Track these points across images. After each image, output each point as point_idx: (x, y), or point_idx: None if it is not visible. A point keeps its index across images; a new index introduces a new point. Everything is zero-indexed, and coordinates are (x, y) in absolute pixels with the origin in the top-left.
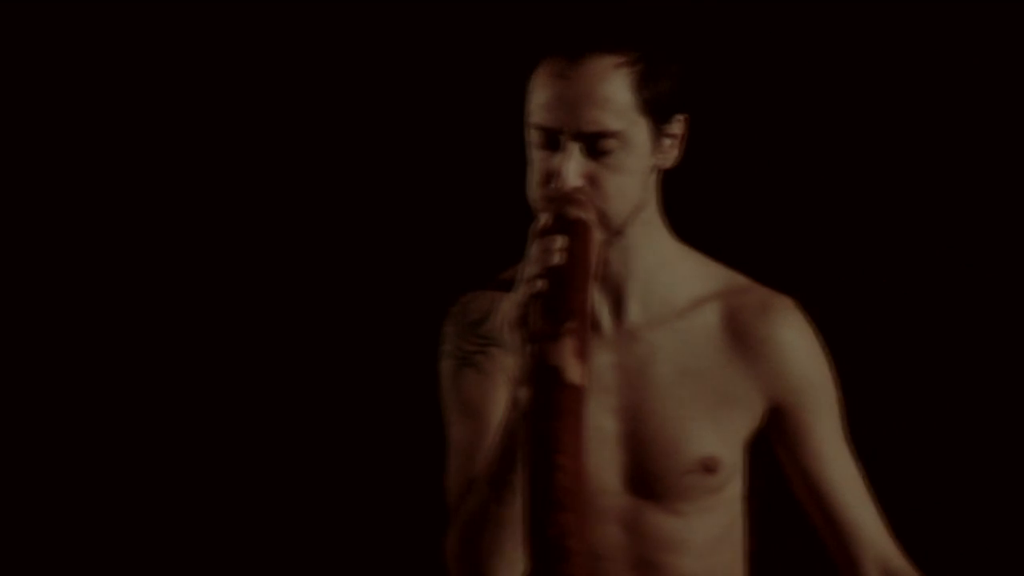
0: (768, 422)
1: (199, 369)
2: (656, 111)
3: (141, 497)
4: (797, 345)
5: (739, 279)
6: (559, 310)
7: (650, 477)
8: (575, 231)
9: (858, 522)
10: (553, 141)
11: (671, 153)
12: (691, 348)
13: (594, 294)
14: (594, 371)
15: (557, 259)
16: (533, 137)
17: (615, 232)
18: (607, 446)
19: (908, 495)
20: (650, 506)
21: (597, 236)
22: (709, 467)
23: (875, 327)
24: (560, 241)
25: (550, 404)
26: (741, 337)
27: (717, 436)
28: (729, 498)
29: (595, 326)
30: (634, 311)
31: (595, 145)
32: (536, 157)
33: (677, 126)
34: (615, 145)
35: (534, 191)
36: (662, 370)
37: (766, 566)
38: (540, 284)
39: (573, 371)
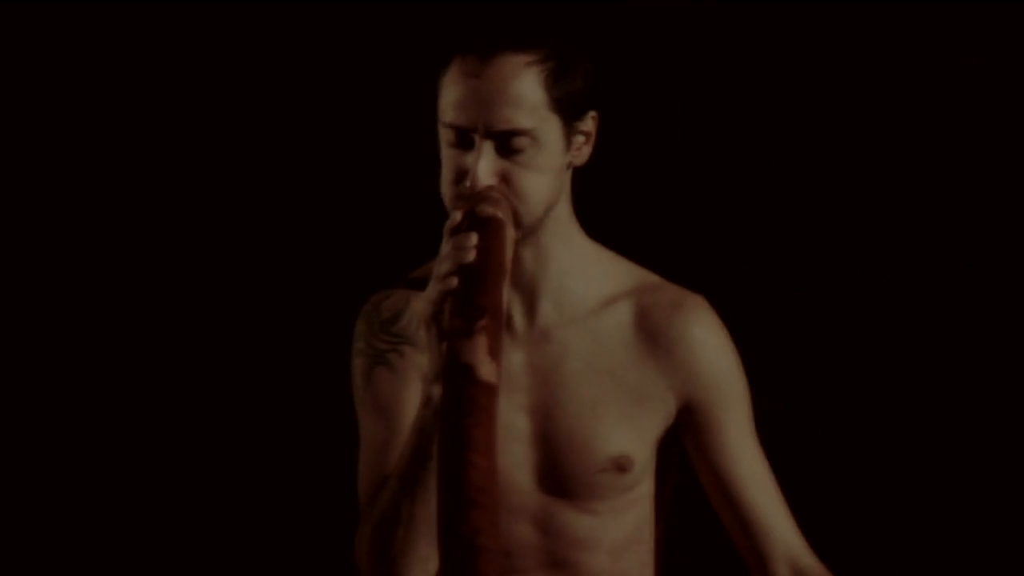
0: (679, 420)
1: (106, 367)
2: (568, 109)
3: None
4: (708, 343)
5: (650, 277)
6: (472, 308)
7: (562, 476)
8: (488, 229)
9: (768, 520)
10: (465, 139)
11: (583, 151)
12: (603, 347)
13: (507, 292)
14: (506, 370)
15: (470, 257)
16: (445, 136)
17: (528, 230)
18: (520, 445)
19: (817, 492)
20: (562, 505)
21: (510, 234)
22: (621, 466)
23: (785, 324)
24: (473, 239)
25: (463, 402)
26: (653, 336)
27: (629, 435)
28: (640, 497)
29: (508, 325)
30: (547, 310)
31: (507, 143)
32: (448, 156)
33: (588, 124)
34: (527, 143)
35: (447, 189)
36: (574, 369)
37: (676, 565)
38: (453, 282)
39: (486, 369)
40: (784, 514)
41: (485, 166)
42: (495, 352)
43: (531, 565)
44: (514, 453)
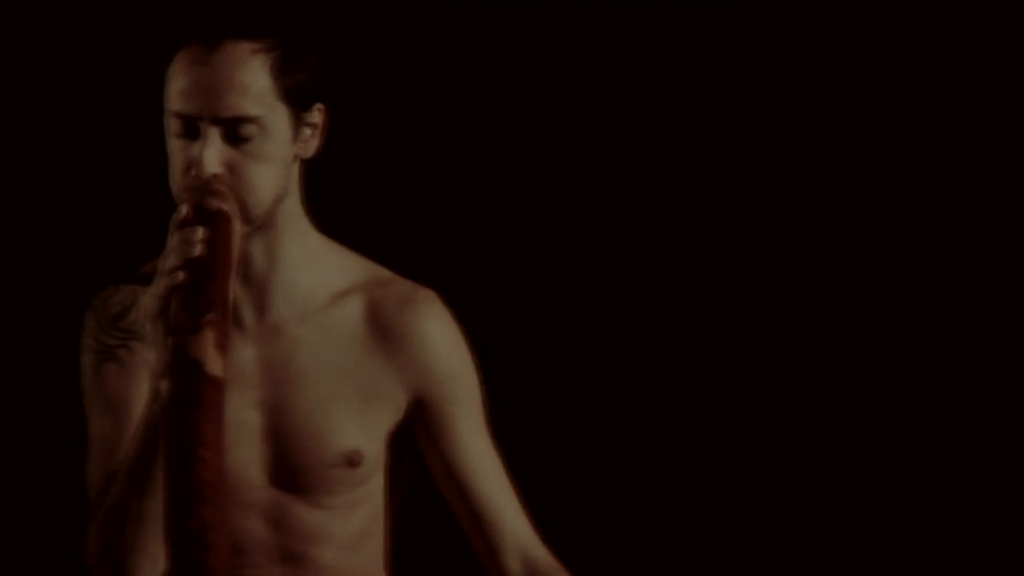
0: (411, 414)
1: None
2: (295, 99)
3: None
4: (439, 337)
5: (382, 272)
6: (199, 302)
7: (293, 471)
8: (215, 222)
9: (499, 513)
10: (192, 129)
11: (311, 143)
12: (334, 342)
13: (236, 287)
14: (237, 365)
15: (197, 251)
16: (172, 126)
17: (257, 223)
18: (250, 440)
19: (555, 485)
20: (293, 500)
21: (238, 227)
22: (352, 460)
23: (518, 319)
24: (200, 232)
25: (190, 397)
26: (384, 330)
27: (360, 429)
28: (371, 491)
29: (238, 320)
30: (277, 305)
31: (234, 131)
32: (175, 146)
33: (317, 116)
34: (254, 131)
35: (175, 180)
36: (305, 364)
37: (410, 559)
38: (180, 276)
39: (213, 363)
40: (515, 508)
41: (211, 154)
42: (222, 347)
43: (262, 560)
44: (245, 449)
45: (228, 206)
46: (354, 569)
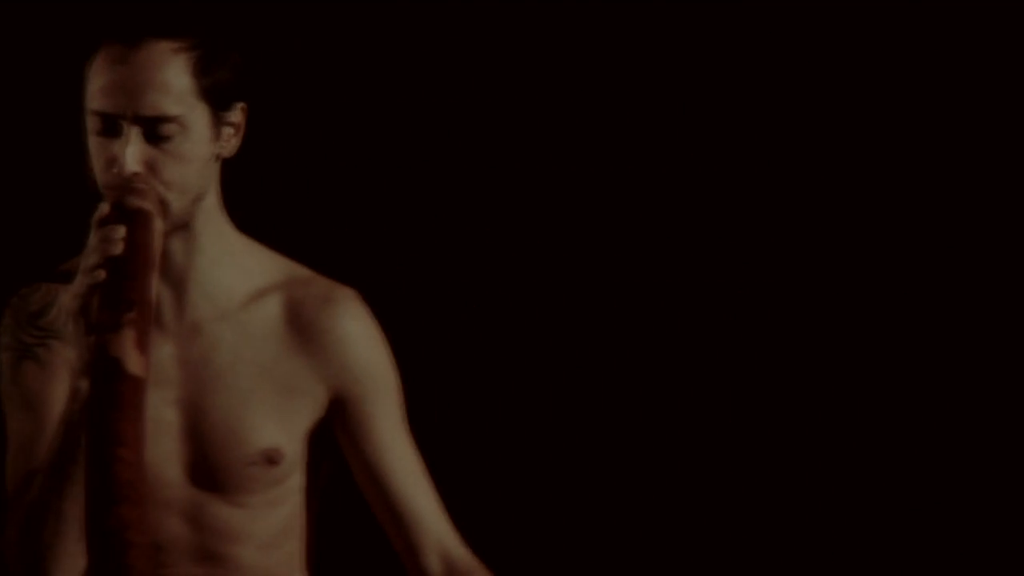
0: (331, 413)
1: None
2: (215, 98)
3: None
4: (359, 336)
5: (301, 271)
6: (119, 301)
7: (212, 469)
8: (135, 221)
9: (419, 511)
10: (112, 127)
11: (231, 142)
12: (253, 340)
13: (156, 285)
14: (155, 363)
15: (117, 249)
16: (92, 123)
17: (177, 222)
18: (169, 438)
19: (473, 484)
20: (213, 498)
21: (158, 225)
22: (271, 458)
23: (436, 318)
24: (120, 231)
25: (110, 396)
26: (303, 329)
27: (279, 427)
28: (291, 490)
29: (157, 318)
30: (196, 303)
31: (154, 130)
32: (95, 144)
33: (238, 115)
34: (175, 130)
35: (99, 179)
36: (224, 362)
37: (329, 559)
38: (100, 274)
39: (133, 362)
40: (435, 507)
41: (132, 152)
42: (143, 346)
43: (181, 559)
44: (163, 447)
45: (149, 204)
46: (272, 568)
